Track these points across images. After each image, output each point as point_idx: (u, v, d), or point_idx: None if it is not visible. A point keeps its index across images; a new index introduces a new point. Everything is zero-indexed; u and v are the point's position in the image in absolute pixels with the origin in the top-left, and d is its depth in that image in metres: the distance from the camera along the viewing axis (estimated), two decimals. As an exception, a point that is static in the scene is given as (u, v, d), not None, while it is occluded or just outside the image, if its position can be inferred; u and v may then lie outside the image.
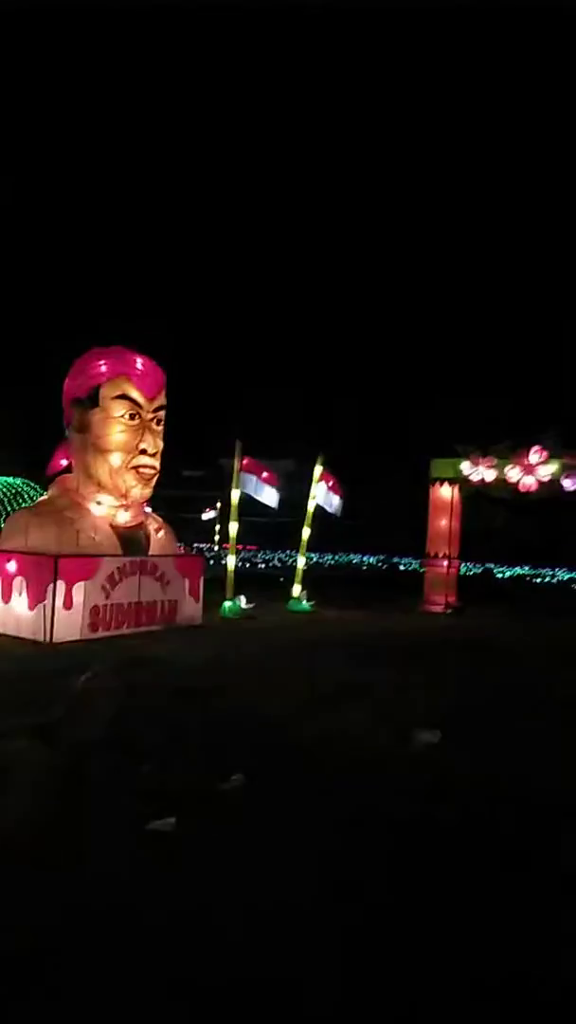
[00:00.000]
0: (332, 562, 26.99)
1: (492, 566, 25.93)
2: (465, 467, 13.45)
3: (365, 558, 29.60)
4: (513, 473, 12.87)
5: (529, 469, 12.72)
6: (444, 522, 13.88)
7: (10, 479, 22.78)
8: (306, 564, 13.18)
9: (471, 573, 24.05)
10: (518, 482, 12.86)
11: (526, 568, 27.16)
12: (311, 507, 12.70)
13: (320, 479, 12.69)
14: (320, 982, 2.46)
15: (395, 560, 28.77)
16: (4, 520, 14.68)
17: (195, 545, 25.66)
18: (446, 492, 13.89)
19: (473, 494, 13.88)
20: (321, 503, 12.80)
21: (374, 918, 2.89)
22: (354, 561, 28.53)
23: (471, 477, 13.47)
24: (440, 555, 13.91)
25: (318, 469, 12.65)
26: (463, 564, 17.83)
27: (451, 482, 13.78)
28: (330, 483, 12.90)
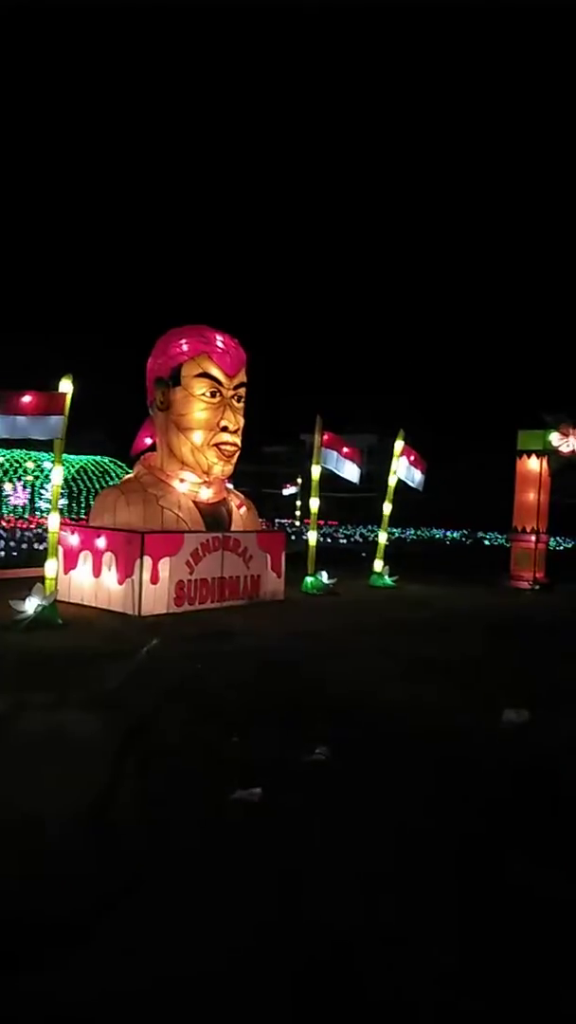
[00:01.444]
0: (414, 537, 26.63)
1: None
2: (554, 438, 12.94)
3: (448, 533, 29.08)
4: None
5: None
6: (532, 495, 13.43)
7: (97, 457, 23.52)
8: (388, 539, 13.06)
9: (561, 548, 23.25)
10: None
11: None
12: (392, 482, 12.54)
13: (401, 453, 12.49)
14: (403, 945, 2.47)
15: (480, 535, 28.14)
16: (93, 497, 15.21)
17: (276, 521, 25.84)
18: (534, 464, 13.42)
19: (564, 466, 13.34)
20: (403, 478, 12.61)
21: (464, 893, 2.87)
22: (437, 536, 28.07)
23: (561, 449, 12.96)
24: (527, 529, 13.49)
25: (399, 443, 12.46)
26: (552, 539, 17.25)
27: (539, 454, 13.30)
28: (412, 457, 12.68)
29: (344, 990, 2.28)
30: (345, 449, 11.50)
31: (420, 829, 3.42)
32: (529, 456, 13.44)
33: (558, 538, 23.43)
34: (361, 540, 22.81)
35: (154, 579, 8.66)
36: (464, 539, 27.24)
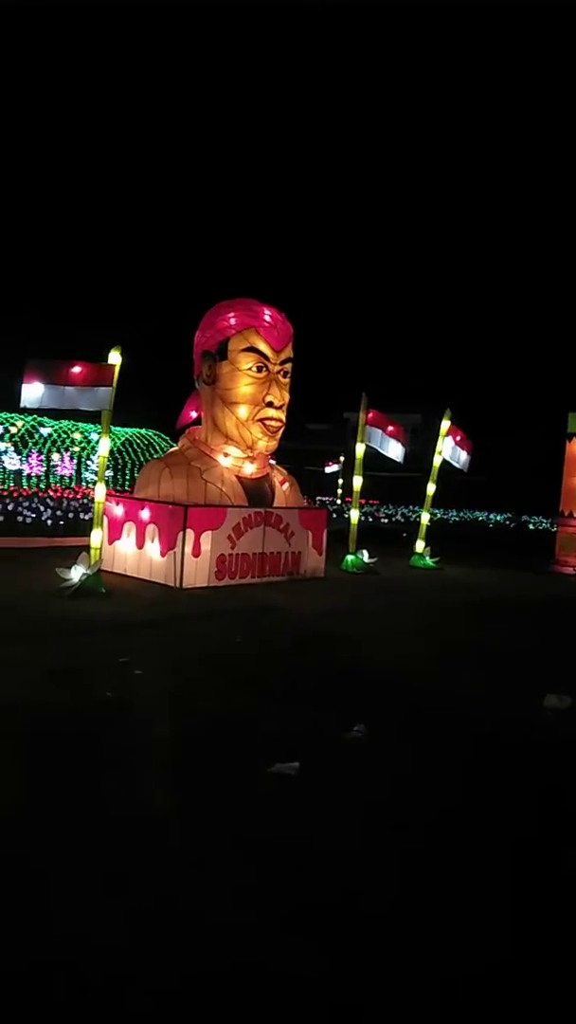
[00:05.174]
0: (457, 519, 26.31)
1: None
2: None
3: (492, 516, 28.65)
4: None
5: None
6: (580, 480, 13.11)
7: (142, 430, 23.72)
8: (430, 520, 12.93)
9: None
10: None
11: None
12: (437, 462, 12.38)
13: (448, 433, 12.31)
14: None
15: (524, 518, 27.65)
16: (138, 469, 15.38)
17: (318, 498, 25.80)
18: (584, 448, 13.08)
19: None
20: (448, 458, 12.44)
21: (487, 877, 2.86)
22: (480, 518, 27.69)
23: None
24: (574, 514, 13.21)
25: (445, 423, 12.27)
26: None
27: (590, 438, 12.96)
28: (458, 438, 12.48)
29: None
30: (390, 428, 11.38)
31: (456, 807, 3.42)
32: (579, 439, 13.10)
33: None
34: (403, 520, 22.64)
35: (196, 552, 8.74)
36: (508, 522, 26.81)
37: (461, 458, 12.62)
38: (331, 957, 2.29)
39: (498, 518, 27.87)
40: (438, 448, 12.32)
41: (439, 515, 24.03)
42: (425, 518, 12.71)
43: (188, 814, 3.19)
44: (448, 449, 12.37)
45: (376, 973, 2.25)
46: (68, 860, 2.74)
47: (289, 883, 2.70)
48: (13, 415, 20.83)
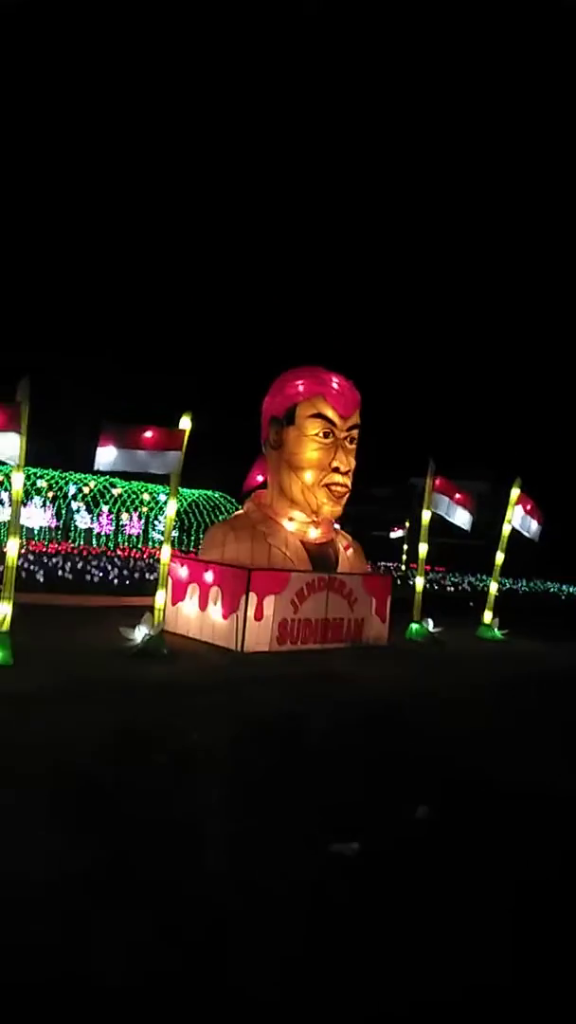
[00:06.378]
0: (527, 589, 25.51)
1: None
2: None
3: (564, 587, 27.67)
4: None
5: None
6: None
7: (209, 492, 24.16)
8: (499, 590, 12.56)
9: None
10: None
11: None
12: (507, 530, 12.10)
13: (517, 502, 12.05)
14: None
15: (598, 590, 26.55)
16: (203, 531, 15.59)
17: (381, 564, 25.52)
18: None
19: None
20: (518, 527, 12.14)
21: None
22: (552, 589, 26.77)
23: None
24: None
25: (515, 491, 12.03)
26: None
27: None
28: (528, 507, 12.20)
29: None
30: (457, 495, 11.23)
31: (532, 902, 3.16)
32: None
33: None
34: (469, 588, 22.08)
35: (258, 616, 8.69)
36: (581, 594, 25.79)
37: (531, 528, 12.30)
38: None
39: (571, 590, 26.88)
40: (507, 516, 12.05)
41: (508, 585, 23.37)
42: (493, 587, 12.35)
43: (244, 895, 3.05)
44: (518, 518, 12.09)
45: None
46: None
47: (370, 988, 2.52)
48: (87, 476, 21.61)
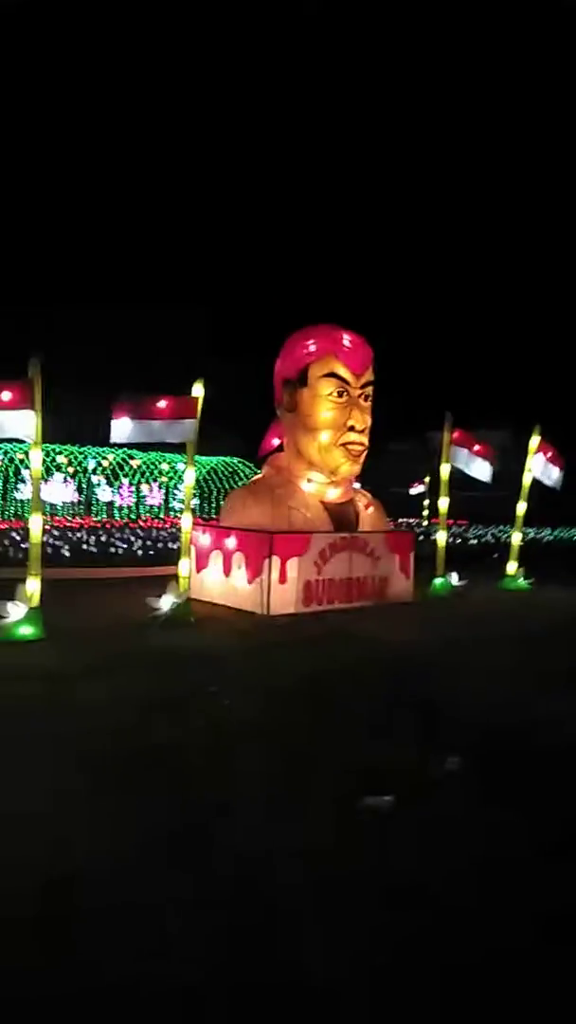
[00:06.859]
0: (551, 538, 25.33)
1: None
2: None
3: (588, 533, 27.42)
4: None
5: None
6: None
7: (227, 458, 24.15)
8: (522, 540, 12.49)
9: None
10: None
11: None
12: (527, 480, 11.97)
13: (538, 450, 11.89)
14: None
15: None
16: (224, 497, 15.66)
17: (402, 521, 25.45)
18: None
19: None
20: (538, 476, 12.00)
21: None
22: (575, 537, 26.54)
23: None
24: None
25: (535, 440, 11.87)
26: None
27: None
28: (548, 454, 12.04)
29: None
30: (476, 447, 11.11)
31: (559, 845, 3.21)
32: None
33: None
34: (493, 540, 21.99)
35: (282, 579, 8.75)
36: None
37: (553, 475, 12.14)
38: None
39: (595, 536, 26.63)
40: (528, 466, 11.92)
41: (532, 534, 23.21)
42: (516, 538, 12.28)
43: (288, 852, 3.13)
44: (539, 467, 11.94)
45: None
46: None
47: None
48: (104, 449, 21.70)
